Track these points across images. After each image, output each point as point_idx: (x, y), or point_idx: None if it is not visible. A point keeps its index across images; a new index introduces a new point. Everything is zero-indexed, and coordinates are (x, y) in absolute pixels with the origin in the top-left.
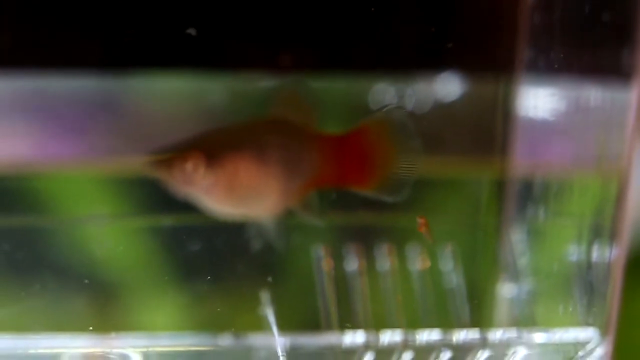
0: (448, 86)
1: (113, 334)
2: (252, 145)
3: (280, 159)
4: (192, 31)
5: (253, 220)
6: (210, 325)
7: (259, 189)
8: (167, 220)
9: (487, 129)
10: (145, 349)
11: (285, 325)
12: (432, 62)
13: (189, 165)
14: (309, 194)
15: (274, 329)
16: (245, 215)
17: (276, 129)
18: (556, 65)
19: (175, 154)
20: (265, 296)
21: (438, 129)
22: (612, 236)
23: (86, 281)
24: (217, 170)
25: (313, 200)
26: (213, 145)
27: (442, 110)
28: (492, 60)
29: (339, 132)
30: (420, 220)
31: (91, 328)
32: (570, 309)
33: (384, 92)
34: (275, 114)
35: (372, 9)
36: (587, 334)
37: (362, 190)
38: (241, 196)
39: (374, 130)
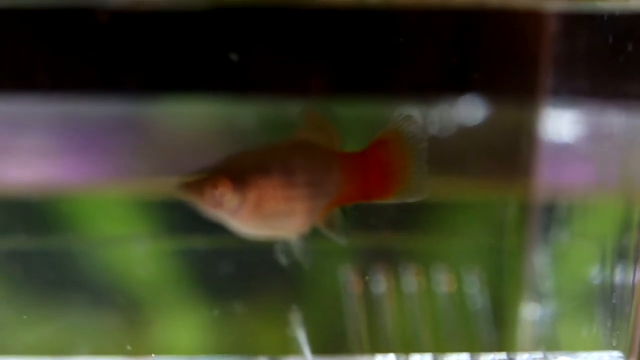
0: (472, 110)
1: (144, 356)
2: (277, 168)
3: (305, 180)
4: (234, 56)
5: (279, 240)
6: (240, 346)
7: (285, 211)
8: (197, 242)
9: (511, 152)
10: None
11: (314, 347)
12: (457, 87)
13: (217, 190)
14: (332, 212)
15: (306, 351)
16: (272, 236)
17: (300, 150)
18: (580, 92)
19: (204, 178)
20: (295, 318)
21: (462, 152)
22: (636, 258)
23: (115, 296)
24: (244, 193)
25: (337, 218)
26: (240, 169)
27: (466, 133)
28: (516, 86)
29: (357, 149)
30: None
31: (129, 347)
32: (594, 332)
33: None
34: (299, 136)
35: (401, 39)
36: (611, 356)
37: (383, 200)
38: (267, 218)
39: (389, 142)
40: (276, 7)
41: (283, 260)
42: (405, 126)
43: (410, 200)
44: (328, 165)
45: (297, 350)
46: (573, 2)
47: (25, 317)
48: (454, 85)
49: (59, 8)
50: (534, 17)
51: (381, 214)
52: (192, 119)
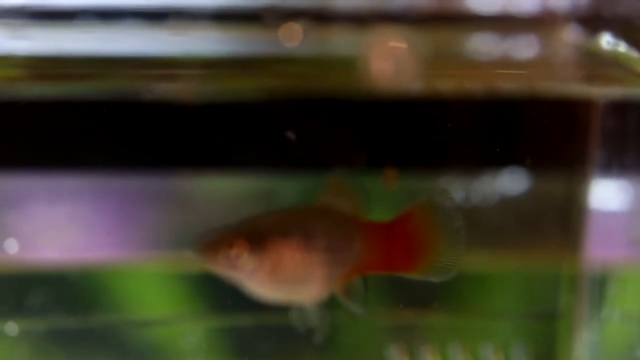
0: (519, 184)
1: None
2: (297, 231)
3: (325, 246)
4: (291, 135)
5: (295, 306)
6: None
7: (303, 275)
8: (241, 319)
9: (558, 225)
10: None
11: None
12: (504, 162)
13: (233, 251)
14: (353, 280)
15: None
16: (288, 301)
17: (322, 216)
18: (630, 169)
19: (220, 238)
20: None
21: (510, 227)
22: None
23: None
24: (260, 256)
25: (357, 286)
26: (257, 231)
27: (510, 206)
28: (563, 160)
29: (384, 219)
30: (389, 174)
31: None
32: None
33: (453, 186)
34: (323, 201)
35: (449, 125)
36: None
37: (407, 274)
38: (284, 282)
39: (419, 215)
40: (320, 97)
41: (299, 326)
42: (438, 201)
43: (436, 278)
44: (350, 232)
45: None
46: (626, 88)
47: None
48: (501, 160)
49: (99, 100)
50: (584, 101)
51: (426, 290)
52: (233, 192)
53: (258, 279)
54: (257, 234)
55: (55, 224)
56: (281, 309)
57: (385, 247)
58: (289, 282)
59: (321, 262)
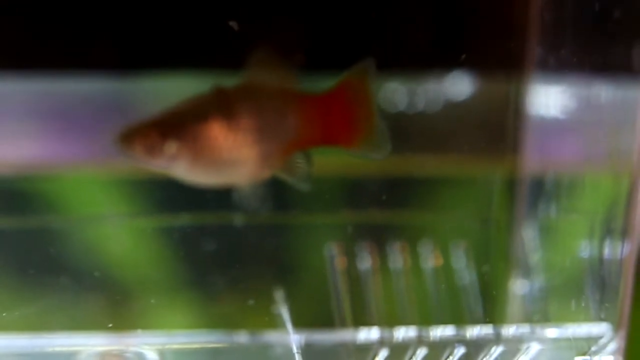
0: (458, 85)
1: (129, 333)
2: (219, 112)
3: (254, 123)
4: (234, 24)
5: (232, 188)
6: (225, 324)
7: (229, 158)
8: (181, 220)
9: (498, 127)
10: (161, 347)
11: (300, 323)
12: (443, 62)
13: (148, 141)
14: (292, 157)
15: (289, 326)
16: (223, 184)
17: (248, 93)
18: (567, 63)
19: (134, 131)
20: (279, 295)
21: (449, 128)
22: (624, 232)
23: (96, 274)
24: (178, 142)
25: (298, 163)
26: (173, 118)
27: (453, 109)
28: (503, 58)
29: (319, 90)
30: None
31: (110, 325)
32: (583, 305)
33: (395, 91)
34: (250, 79)
35: (373, 15)
36: (599, 329)
37: (348, 148)
38: (209, 167)
39: (355, 85)
40: None
41: (244, 205)
42: (372, 71)
43: (377, 150)
44: (282, 107)
45: (281, 326)
46: None
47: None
48: (439, 61)
49: None
50: None
51: (368, 190)
52: (178, 96)
53: (182, 166)
54: (172, 120)
55: None
56: (221, 207)
57: (322, 119)
58: (214, 166)
59: (249, 142)
